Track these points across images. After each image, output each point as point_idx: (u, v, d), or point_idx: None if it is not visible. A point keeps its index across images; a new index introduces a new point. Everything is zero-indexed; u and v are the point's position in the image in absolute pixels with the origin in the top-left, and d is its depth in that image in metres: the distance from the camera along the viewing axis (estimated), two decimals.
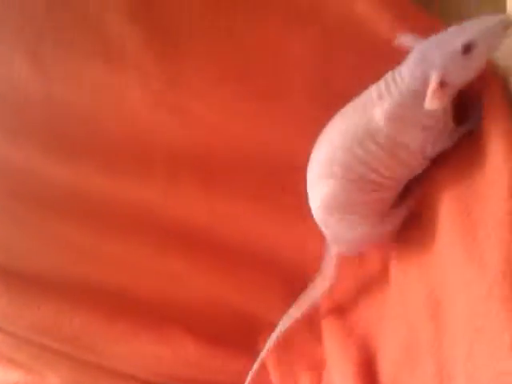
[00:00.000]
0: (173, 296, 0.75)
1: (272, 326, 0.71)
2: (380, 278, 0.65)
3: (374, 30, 0.62)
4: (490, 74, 0.55)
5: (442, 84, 0.50)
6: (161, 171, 0.71)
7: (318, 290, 0.68)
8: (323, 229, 0.62)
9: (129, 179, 0.71)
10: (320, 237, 0.63)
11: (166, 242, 0.73)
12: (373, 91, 0.55)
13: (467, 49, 0.49)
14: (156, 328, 0.74)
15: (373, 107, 0.54)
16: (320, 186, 0.58)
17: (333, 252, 0.65)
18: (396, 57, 0.55)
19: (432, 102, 0.50)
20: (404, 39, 0.54)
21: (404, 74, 0.53)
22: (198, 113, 0.68)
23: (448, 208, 0.53)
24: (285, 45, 0.66)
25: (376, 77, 0.56)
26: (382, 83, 0.55)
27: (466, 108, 0.57)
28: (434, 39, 0.52)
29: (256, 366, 0.69)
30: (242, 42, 0.67)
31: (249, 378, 0.70)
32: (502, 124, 0.51)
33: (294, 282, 0.73)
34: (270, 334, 0.70)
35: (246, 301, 0.75)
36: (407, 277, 0.58)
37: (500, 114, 0.52)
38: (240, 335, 0.75)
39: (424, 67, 0.51)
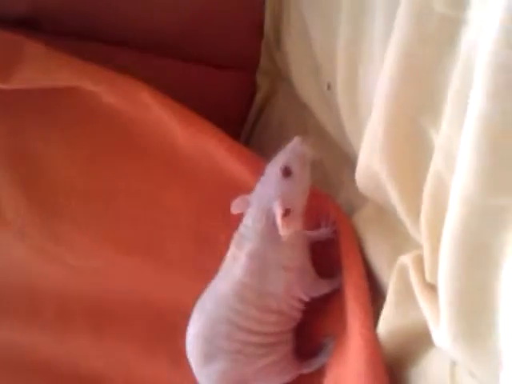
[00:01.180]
0: None
1: None
2: None
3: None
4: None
5: (286, 211, 0.52)
6: (51, 319, 0.71)
7: None
8: None
9: (21, 327, 0.71)
10: None
11: None
12: (229, 254, 0.57)
13: (286, 172, 0.54)
14: None
15: (232, 267, 0.56)
16: (208, 368, 0.56)
17: None
18: None
19: (284, 229, 0.52)
20: (236, 204, 0.56)
21: (247, 222, 0.55)
22: (81, 267, 0.70)
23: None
24: (164, 199, 0.68)
25: None
26: (233, 243, 0.56)
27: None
28: (260, 181, 0.56)
29: None
30: (121, 198, 0.68)
31: None
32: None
33: None
34: None
35: None
36: None
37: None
38: None
39: (262, 206, 0.54)
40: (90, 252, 0.68)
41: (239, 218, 0.57)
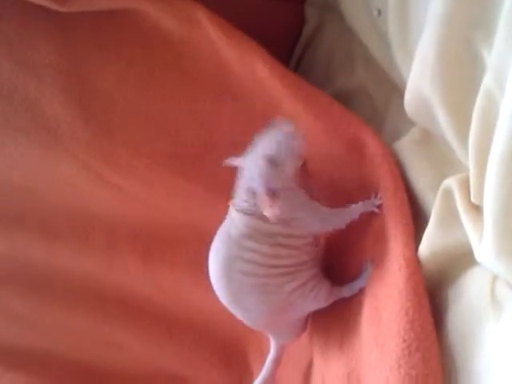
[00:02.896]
0: (113, 362, 0.78)
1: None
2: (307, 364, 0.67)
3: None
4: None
5: (273, 193, 0.52)
6: (100, 242, 0.74)
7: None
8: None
9: (68, 249, 0.74)
10: None
11: (107, 311, 0.76)
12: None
13: (272, 162, 0.53)
14: None
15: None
16: (240, 304, 0.58)
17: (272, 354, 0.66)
18: None
19: (270, 211, 0.52)
20: (231, 161, 0.57)
21: (238, 203, 0.55)
22: (130, 189, 0.71)
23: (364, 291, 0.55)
24: (215, 120, 0.69)
25: None
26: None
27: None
28: (249, 158, 0.55)
29: None
30: (173, 120, 0.69)
31: None
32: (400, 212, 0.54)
33: (227, 353, 0.76)
34: None
35: (182, 368, 0.77)
36: (329, 358, 0.60)
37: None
38: None
39: (248, 186, 0.54)
40: (142, 175, 0.70)
41: None
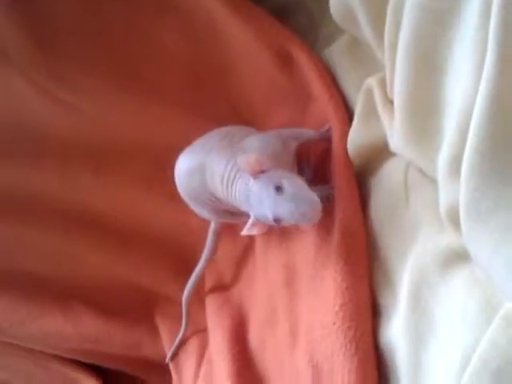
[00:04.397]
0: (74, 275, 0.80)
1: (166, 300, 0.79)
2: (249, 250, 0.72)
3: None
4: None
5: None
6: (54, 160, 0.74)
7: (203, 263, 0.74)
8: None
9: (24, 168, 0.74)
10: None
11: (66, 225, 0.78)
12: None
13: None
14: (59, 307, 0.79)
15: None
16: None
17: (212, 227, 0.71)
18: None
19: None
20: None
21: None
22: (80, 106, 0.71)
23: None
24: (159, 37, 0.69)
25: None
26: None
27: None
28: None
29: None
30: (119, 37, 0.69)
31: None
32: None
33: (184, 259, 0.79)
34: (164, 307, 0.79)
35: (141, 277, 0.80)
36: (269, 246, 0.65)
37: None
38: (137, 309, 0.81)
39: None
40: (93, 93, 0.71)
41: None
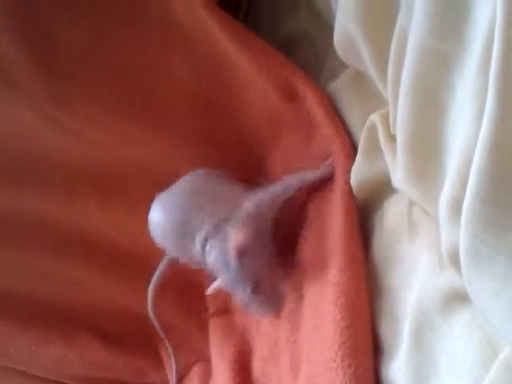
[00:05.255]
0: (77, 301, 0.80)
1: (168, 325, 0.79)
2: None
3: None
4: None
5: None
6: (60, 186, 0.75)
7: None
8: None
9: (30, 193, 0.75)
10: None
11: (68, 251, 0.78)
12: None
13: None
14: (63, 333, 0.79)
15: None
16: None
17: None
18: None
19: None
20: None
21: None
22: (86, 134, 0.72)
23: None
24: (165, 65, 0.70)
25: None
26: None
27: None
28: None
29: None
30: (125, 66, 0.70)
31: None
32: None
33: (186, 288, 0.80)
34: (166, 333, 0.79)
35: (142, 305, 0.79)
36: None
37: None
38: (140, 335, 0.81)
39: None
40: (99, 120, 0.71)
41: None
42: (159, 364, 0.80)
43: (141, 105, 0.72)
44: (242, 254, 0.53)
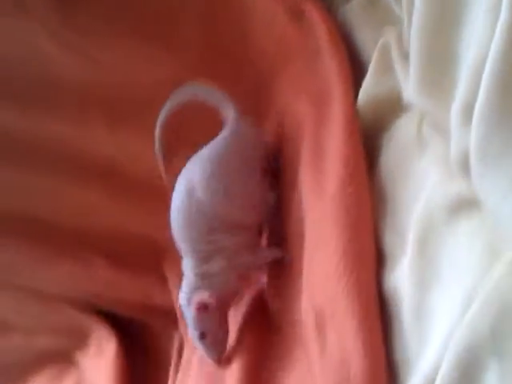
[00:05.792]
0: (88, 223, 0.83)
1: (173, 250, 0.76)
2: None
3: None
4: None
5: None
6: (70, 109, 0.76)
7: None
8: None
9: (40, 116, 0.76)
10: None
11: (79, 174, 0.80)
12: None
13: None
14: (73, 253, 0.83)
15: None
16: None
17: None
18: None
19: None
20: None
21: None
22: (96, 55, 0.73)
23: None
24: None
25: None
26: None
27: None
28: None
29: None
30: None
31: None
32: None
33: None
34: (172, 257, 0.77)
35: (150, 228, 0.82)
36: None
37: None
38: (146, 257, 0.84)
39: None
40: (110, 42, 0.72)
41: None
42: (163, 284, 0.83)
43: (150, 27, 0.72)
44: (200, 309, 0.57)
